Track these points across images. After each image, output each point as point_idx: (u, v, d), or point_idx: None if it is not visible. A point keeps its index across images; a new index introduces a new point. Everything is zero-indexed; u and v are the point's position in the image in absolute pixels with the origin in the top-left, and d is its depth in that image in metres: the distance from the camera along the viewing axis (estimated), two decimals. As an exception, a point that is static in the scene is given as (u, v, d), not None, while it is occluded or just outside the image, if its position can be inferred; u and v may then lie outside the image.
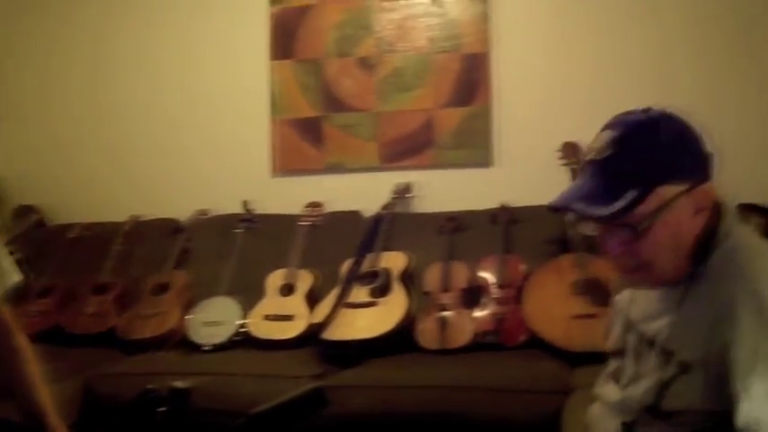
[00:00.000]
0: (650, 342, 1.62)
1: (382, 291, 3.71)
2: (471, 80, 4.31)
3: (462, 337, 3.52)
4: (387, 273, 3.78)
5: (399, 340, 3.56)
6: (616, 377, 1.77)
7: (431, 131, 4.35)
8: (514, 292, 3.64)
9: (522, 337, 3.50)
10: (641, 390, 1.62)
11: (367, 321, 3.58)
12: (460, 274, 3.79)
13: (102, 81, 4.83)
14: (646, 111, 1.59)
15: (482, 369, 3.22)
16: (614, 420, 1.70)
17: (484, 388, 3.09)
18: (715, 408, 1.47)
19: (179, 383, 1.22)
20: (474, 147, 4.30)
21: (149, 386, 1.22)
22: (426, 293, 3.77)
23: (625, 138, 1.53)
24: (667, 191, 1.50)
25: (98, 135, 4.84)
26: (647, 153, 1.51)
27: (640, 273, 1.58)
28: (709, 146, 1.58)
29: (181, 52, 4.70)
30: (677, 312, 1.56)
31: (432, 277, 3.80)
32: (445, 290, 3.72)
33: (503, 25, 4.29)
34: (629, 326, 1.74)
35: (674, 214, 1.50)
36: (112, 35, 4.80)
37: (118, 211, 4.59)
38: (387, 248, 3.96)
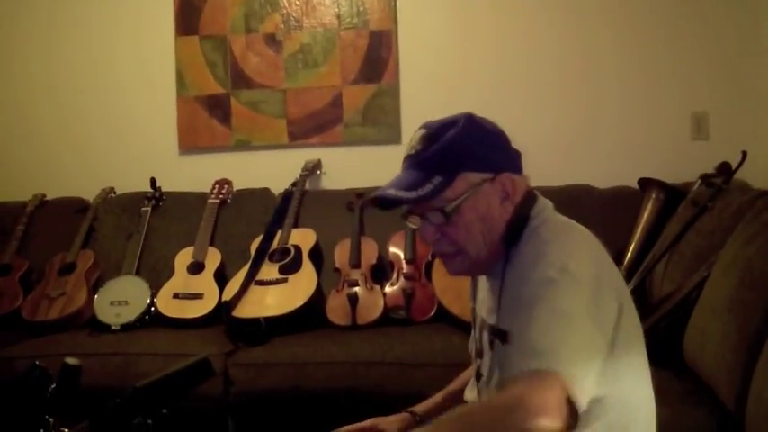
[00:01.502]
0: (496, 331, 1.70)
1: (292, 267, 3.72)
2: (379, 57, 4.33)
3: (373, 312, 3.56)
4: (297, 249, 3.79)
5: (310, 317, 3.59)
6: (477, 377, 1.83)
7: (339, 108, 4.36)
8: (424, 267, 3.70)
9: (432, 312, 3.56)
10: (495, 380, 1.71)
11: (277, 298, 3.59)
12: (370, 251, 3.82)
13: (4, 59, 4.70)
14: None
15: (392, 344, 3.27)
16: None
17: (393, 362, 3.14)
18: None
19: (70, 360, 1.22)
20: (383, 124, 4.33)
21: (37, 362, 1.21)
22: (336, 270, 3.81)
23: (432, 134, 1.67)
24: (472, 177, 1.64)
25: (0, 114, 4.73)
26: (449, 144, 1.64)
27: (459, 258, 1.70)
28: (513, 145, 1.74)
29: (85, 28, 4.59)
30: (502, 294, 1.66)
31: (341, 254, 3.83)
32: (355, 266, 3.76)
33: (409, 2, 4.32)
34: (482, 325, 1.81)
35: (481, 200, 1.65)
36: (17, 11, 4.65)
37: (22, 190, 4.49)
38: (296, 225, 3.97)
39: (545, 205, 1.73)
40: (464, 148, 1.64)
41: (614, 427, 1.59)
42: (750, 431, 2.07)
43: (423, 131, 1.69)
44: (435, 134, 1.66)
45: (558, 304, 1.47)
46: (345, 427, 1.98)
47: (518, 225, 1.66)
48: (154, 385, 1.18)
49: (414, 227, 1.74)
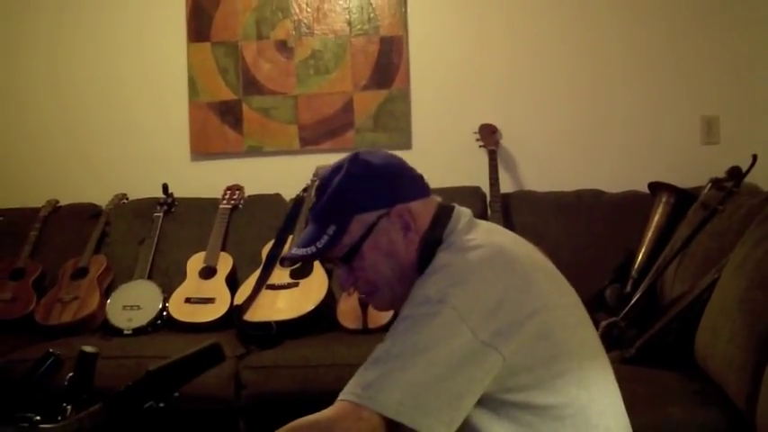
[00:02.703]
0: None
1: (303, 272, 3.74)
2: (389, 63, 4.35)
3: (384, 316, 3.55)
4: (308, 254, 3.80)
5: (321, 321, 3.60)
6: None
7: (350, 114, 4.38)
8: (434, 271, 3.70)
9: (443, 317, 3.56)
10: None
11: (288, 302, 3.60)
12: (381, 255, 3.82)
13: (15, 64, 4.73)
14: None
15: (402, 347, 3.26)
16: None
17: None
18: None
19: (87, 348, 1.24)
20: (393, 129, 4.35)
21: (51, 350, 1.23)
22: (347, 274, 3.81)
23: (322, 184, 1.68)
24: (365, 218, 1.62)
25: (13, 120, 4.74)
26: (336, 191, 1.63)
27: (378, 295, 1.69)
28: (413, 169, 1.71)
29: (96, 34, 4.62)
30: None
31: (352, 258, 3.84)
32: (366, 270, 3.76)
33: (419, 8, 4.34)
34: None
35: (381, 237, 1.62)
36: (24, 16, 4.69)
37: (35, 196, 4.52)
38: (307, 230, 3.98)
39: (457, 222, 1.65)
40: (351, 191, 1.64)
41: None
42: (761, 430, 2.07)
43: (316, 183, 1.72)
44: (324, 184, 1.66)
45: (418, 339, 1.43)
46: None
47: (429, 251, 1.61)
48: (165, 369, 1.20)
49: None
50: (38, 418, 1.14)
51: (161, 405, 1.19)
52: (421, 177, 1.70)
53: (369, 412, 1.38)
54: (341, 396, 1.43)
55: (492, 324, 1.44)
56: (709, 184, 3.47)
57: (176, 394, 1.20)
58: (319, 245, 1.61)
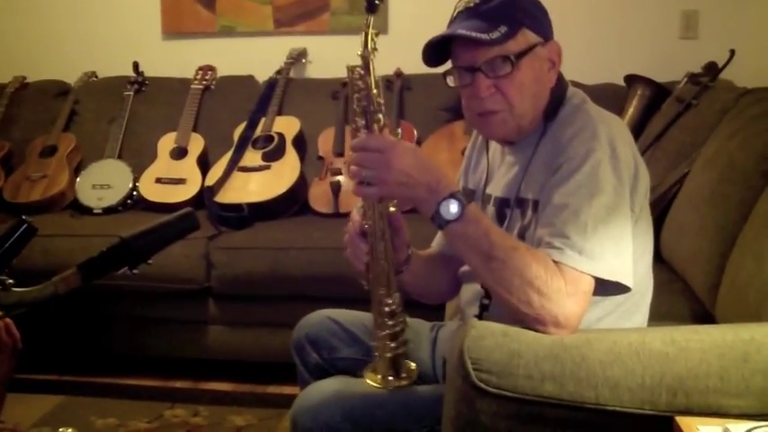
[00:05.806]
0: (511, 202, 1.71)
1: (275, 155, 3.72)
2: (367, -56, 4.23)
3: (355, 201, 3.55)
4: (280, 137, 3.79)
5: (293, 204, 3.61)
6: None
7: (326, -4, 4.29)
8: (406, 158, 3.70)
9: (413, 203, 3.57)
10: None
11: (260, 185, 3.60)
12: (354, 140, 3.81)
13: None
14: None
15: (373, 232, 3.29)
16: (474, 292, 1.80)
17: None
18: None
19: (31, 221, 1.24)
20: (370, 13, 4.25)
21: (24, 217, 1.23)
22: (320, 158, 3.80)
23: None
24: (530, 36, 1.64)
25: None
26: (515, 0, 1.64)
27: (502, 116, 1.66)
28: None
29: None
30: (530, 163, 1.67)
31: (325, 142, 3.83)
32: (339, 155, 3.75)
33: None
34: (484, 201, 1.81)
35: (536, 61, 1.65)
36: None
37: (1, 72, 4.43)
38: (280, 113, 3.96)
39: (575, 92, 1.73)
40: (525, 5, 1.65)
41: (620, 310, 1.64)
42: (719, 318, 2.13)
43: None
44: None
45: (602, 193, 1.51)
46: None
47: (557, 99, 1.68)
48: (139, 236, 1.20)
49: (452, 85, 1.71)
50: (11, 281, 1.14)
51: (134, 272, 1.19)
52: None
53: (587, 278, 1.47)
54: (552, 254, 1.48)
55: (634, 189, 1.60)
56: (685, 79, 3.45)
57: (150, 262, 1.20)
58: (493, 36, 1.58)
